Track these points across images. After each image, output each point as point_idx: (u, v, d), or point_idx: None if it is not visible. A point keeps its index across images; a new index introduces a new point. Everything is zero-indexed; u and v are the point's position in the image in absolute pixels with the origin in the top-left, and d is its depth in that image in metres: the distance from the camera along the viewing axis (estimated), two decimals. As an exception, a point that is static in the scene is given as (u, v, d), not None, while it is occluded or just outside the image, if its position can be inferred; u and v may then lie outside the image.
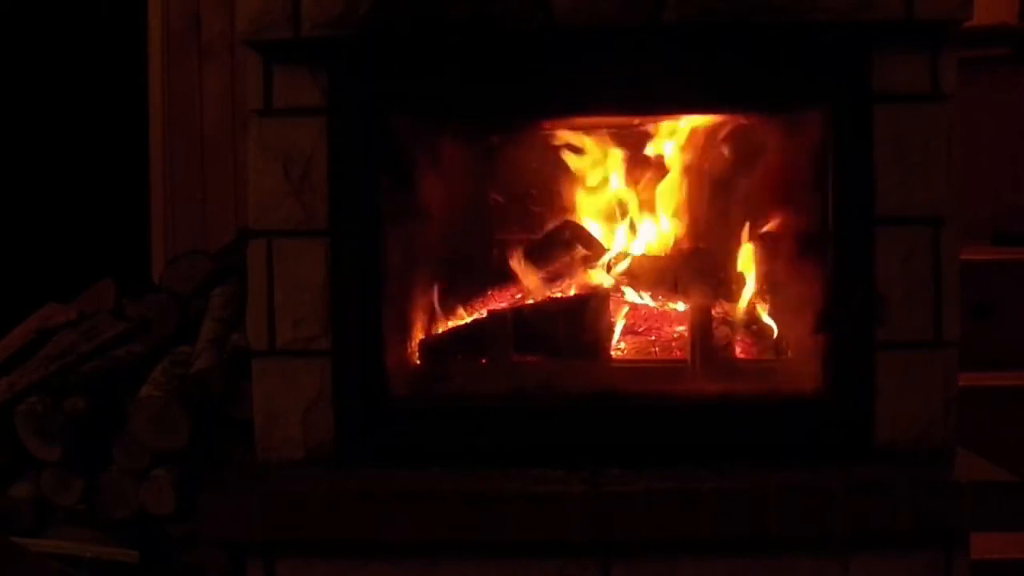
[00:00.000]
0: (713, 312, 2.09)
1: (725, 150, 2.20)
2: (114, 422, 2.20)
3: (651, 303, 2.22)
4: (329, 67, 1.96)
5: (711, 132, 2.20)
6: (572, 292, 2.21)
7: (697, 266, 2.17)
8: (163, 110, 3.19)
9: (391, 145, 2.01)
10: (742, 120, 2.15)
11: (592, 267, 2.23)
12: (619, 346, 2.16)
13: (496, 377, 2.07)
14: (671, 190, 2.25)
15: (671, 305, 2.21)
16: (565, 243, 2.24)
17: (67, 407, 2.20)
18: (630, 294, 2.22)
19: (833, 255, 1.95)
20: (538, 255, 2.25)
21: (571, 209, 2.29)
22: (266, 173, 1.97)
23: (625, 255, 2.23)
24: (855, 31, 1.89)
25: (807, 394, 1.97)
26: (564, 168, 2.27)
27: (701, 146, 2.22)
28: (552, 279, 2.24)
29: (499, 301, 2.23)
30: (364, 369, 1.97)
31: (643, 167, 2.25)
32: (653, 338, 2.19)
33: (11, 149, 3.34)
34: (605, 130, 2.22)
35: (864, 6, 1.85)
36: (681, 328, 2.16)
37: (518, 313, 2.14)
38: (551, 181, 2.29)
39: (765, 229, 2.14)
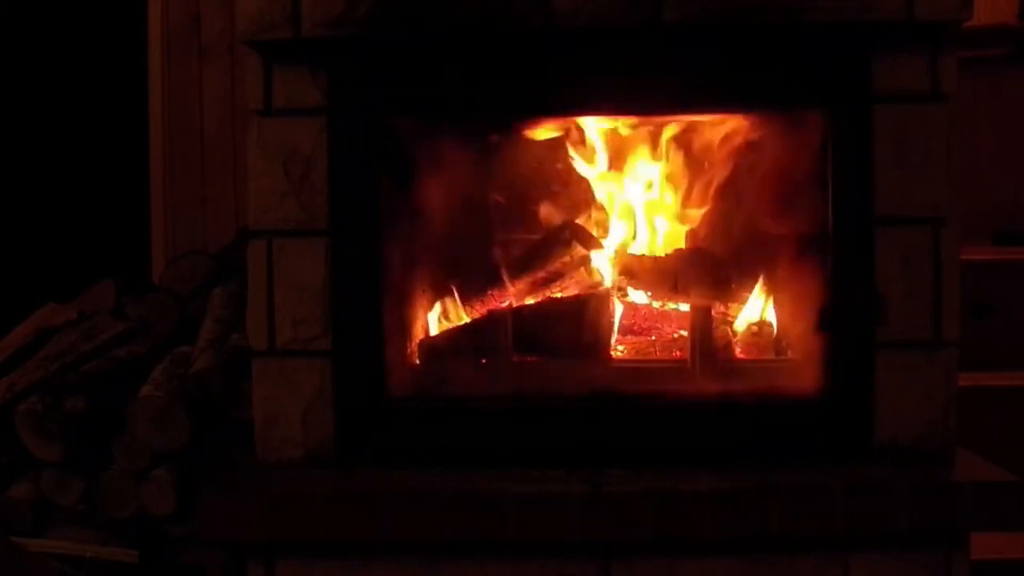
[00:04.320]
0: (713, 312, 2.09)
1: (725, 150, 2.19)
2: (114, 422, 2.20)
3: (651, 303, 2.21)
4: (329, 67, 1.96)
5: (711, 132, 2.19)
6: (572, 292, 2.21)
7: (697, 266, 2.16)
8: (163, 110, 3.19)
9: (391, 145, 2.01)
10: (742, 120, 2.15)
11: (592, 267, 2.23)
12: (619, 346, 2.16)
13: (496, 377, 2.07)
14: (671, 190, 2.25)
15: (671, 305, 2.21)
16: (565, 243, 2.23)
17: (67, 407, 2.20)
18: (630, 294, 2.21)
19: (833, 255, 1.95)
20: (538, 255, 2.25)
21: (571, 208, 2.29)
22: (266, 173, 1.97)
23: (625, 255, 2.22)
24: (855, 31, 1.89)
25: (807, 394, 1.97)
26: (564, 168, 2.27)
27: (701, 146, 2.22)
28: (552, 279, 2.24)
29: (499, 301, 2.23)
30: (364, 369, 1.97)
31: (643, 167, 2.25)
32: (653, 338, 2.19)
33: (11, 149, 3.34)
34: (605, 130, 2.21)
35: (864, 6, 1.85)
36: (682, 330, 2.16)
37: (518, 313, 2.14)
38: (551, 181, 2.29)
39: (765, 229, 2.14)
